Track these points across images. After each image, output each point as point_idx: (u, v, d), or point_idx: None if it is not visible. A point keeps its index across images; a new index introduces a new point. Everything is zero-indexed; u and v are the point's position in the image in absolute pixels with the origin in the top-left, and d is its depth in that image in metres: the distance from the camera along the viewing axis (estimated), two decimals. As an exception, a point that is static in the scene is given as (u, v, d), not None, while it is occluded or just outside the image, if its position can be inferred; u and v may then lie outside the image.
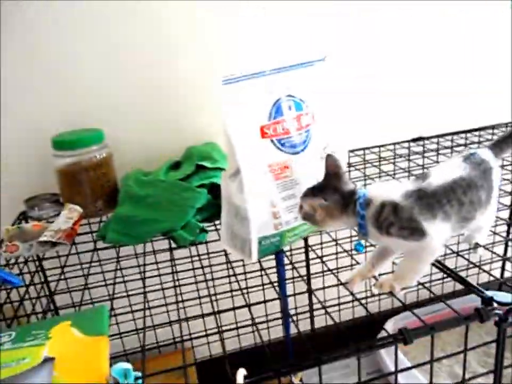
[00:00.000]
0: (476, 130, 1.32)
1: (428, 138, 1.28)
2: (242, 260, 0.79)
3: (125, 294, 0.77)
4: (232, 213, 0.75)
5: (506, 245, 1.28)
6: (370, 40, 1.20)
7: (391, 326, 1.34)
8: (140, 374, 0.51)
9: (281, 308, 1.16)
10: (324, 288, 0.77)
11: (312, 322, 1.29)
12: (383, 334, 1.33)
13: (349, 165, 1.17)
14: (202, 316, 0.68)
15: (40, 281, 0.93)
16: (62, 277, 0.88)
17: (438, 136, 1.29)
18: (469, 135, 1.31)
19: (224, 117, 0.68)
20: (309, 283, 1.20)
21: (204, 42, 1.05)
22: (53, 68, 1.00)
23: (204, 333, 0.95)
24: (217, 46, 1.07)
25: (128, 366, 0.49)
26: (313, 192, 0.62)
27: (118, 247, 0.85)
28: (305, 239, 0.92)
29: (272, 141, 0.71)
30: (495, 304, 0.56)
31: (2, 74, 0.97)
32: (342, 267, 0.84)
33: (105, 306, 0.61)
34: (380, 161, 1.21)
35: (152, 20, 1.02)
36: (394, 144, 1.26)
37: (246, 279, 1.04)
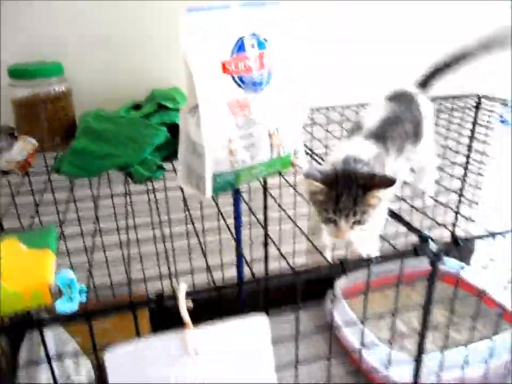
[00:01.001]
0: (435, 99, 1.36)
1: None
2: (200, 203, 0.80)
3: (77, 224, 0.76)
4: (189, 148, 0.75)
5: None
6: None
7: (344, 281, 1.40)
8: (84, 287, 0.51)
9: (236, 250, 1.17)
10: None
11: (266, 267, 1.32)
12: (335, 289, 1.39)
13: (312, 122, 1.18)
14: (157, 254, 0.69)
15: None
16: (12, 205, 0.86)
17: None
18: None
19: (184, 47, 0.67)
20: (265, 227, 1.22)
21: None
22: None
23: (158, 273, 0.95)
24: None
25: (72, 275, 0.49)
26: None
27: (72, 180, 0.84)
28: (265, 182, 0.93)
29: (233, 77, 0.71)
30: (431, 243, 0.59)
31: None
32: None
33: (53, 226, 0.60)
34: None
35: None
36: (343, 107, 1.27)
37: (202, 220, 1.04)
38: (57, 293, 0.48)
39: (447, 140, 1.27)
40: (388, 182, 0.54)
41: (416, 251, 0.57)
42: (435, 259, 0.58)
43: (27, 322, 0.45)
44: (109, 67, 1.06)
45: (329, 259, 0.55)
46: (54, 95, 0.93)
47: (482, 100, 1.39)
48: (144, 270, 1.07)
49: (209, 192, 0.74)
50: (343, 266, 0.55)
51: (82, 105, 1.00)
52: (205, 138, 0.70)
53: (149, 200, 0.86)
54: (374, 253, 0.58)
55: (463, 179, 1.24)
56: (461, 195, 1.25)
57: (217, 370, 0.50)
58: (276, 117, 0.77)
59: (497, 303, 1.25)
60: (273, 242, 0.70)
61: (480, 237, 0.63)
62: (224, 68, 0.70)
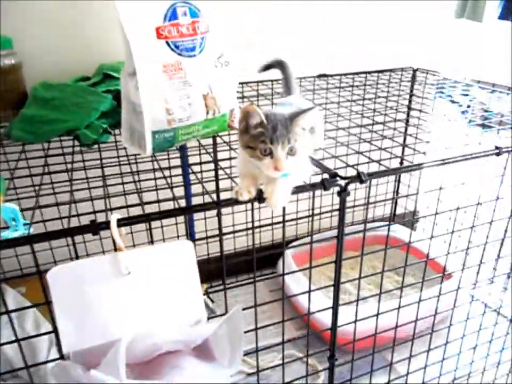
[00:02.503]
0: (374, 72, 1.46)
1: (331, 75, 1.41)
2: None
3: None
4: (130, 109, 0.82)
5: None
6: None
7: (291, 251, 1.49)
8: (28, 220, 0.58)
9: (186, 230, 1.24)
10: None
11: (221, 245, 1.41)
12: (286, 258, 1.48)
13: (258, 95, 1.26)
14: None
15: None
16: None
17: (340, 75, 1.41)
18: (368, 76, 1.45)
19: (121, 16, 0.74)
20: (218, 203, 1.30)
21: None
22: None
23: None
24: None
25: (15, 207, 0.56)
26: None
27: (22, 144, 0.89)
28: (215, 155, 1.00)
29: (167, 42, 0.78)
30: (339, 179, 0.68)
31: None
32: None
33: (2, 177, 0.67)
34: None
35: None
36: (300, 78, 1.37)
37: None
38: (3, 224, 0.55)
39: (386, 110, 1.36)
40: (308, 109, 0.62)
41: (324, 185, 0.66)
42: (341, 193, 0.68)
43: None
44: (58, 42, 1.10)
45: (248, 197, 0.63)
46: (4, 68, 0.98)
47: (417, 72, 1.51)
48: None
49: (149, 149, 0.81)
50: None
51: (34, 79, 1.05)
52: (142, 99, 0.77)
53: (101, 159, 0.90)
54: (284, 204, 0.64)
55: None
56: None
57: (147, 289, 0.58)
58: (209, 79, 0.84)
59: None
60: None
61: (382, 173, 0.73)
62: (158, 34, 0.77)
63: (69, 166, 0.81)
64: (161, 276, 0.59)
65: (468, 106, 1.33)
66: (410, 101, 1.43)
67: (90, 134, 0.88)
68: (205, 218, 1.36)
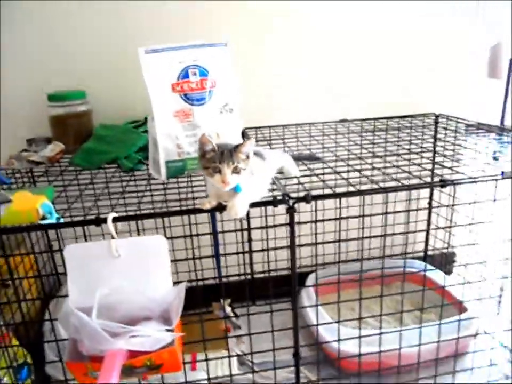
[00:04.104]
0: (395, 117, 1.60)
1: (351, 120, 1.58)
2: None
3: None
4: (153, 144, 1.08)
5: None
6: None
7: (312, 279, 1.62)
8: (60, 216, 0.85)
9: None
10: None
11: (251, 267, 1.60)
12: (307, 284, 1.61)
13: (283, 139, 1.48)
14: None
15: (28, 181, 1.28)
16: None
17: (361, 120, 1.58)
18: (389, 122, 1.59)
19: (145, 76, 1.02)
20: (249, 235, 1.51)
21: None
22: (48, 35, 1.37)
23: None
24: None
25: (51, 206, 0.83)
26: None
27: (80, 170, 1.19)
28: None
29: (180, 95, 1.04)
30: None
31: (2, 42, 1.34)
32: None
33: (52, 187, 0.96)
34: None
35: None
36: (323, 123, 1.56)
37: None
38: (41, 215, 0.82)
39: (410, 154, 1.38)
40: (245, 142, 0.83)
41: (274, 202, 0.85)
42: (289, 210, 0.86)
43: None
44: (121, 93, 1.43)
45: (210, 206, 0.85)
46: (79, 113, 1.32)
47: (439, 118, 1.62)
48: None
49: (164, 174, 1.06)
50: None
51: (100, 121, 1.38)
52: (158, 136, 1.03)
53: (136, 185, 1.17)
54: (243, 214, 0.83)
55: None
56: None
57: (131, 268, 0.81)
58: (215, 122, 1.08)
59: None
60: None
61: (328, 196, 0.90)
62: (173, 88, 1.04)
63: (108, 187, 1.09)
64: (142, 259, 0.81)
65: (500, 152, 1.39)
66: (435, 145, 1.54)
67: (127, 163, 1.16)
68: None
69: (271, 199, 0.87)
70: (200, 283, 1.02)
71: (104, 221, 0.80)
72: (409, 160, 1.15)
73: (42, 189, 0.94)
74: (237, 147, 0.83)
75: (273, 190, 0.94)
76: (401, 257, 1.77)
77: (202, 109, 1.07)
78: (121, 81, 1.42)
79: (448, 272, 1.75)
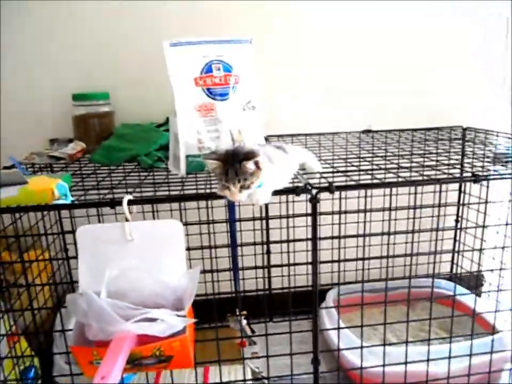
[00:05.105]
0: (421, 129, 1.56)
1: (376, 131, 1.54)
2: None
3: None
4: (174, 139, 1.06)
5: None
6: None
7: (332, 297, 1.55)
8: (72, 198, 0.82)
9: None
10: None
11: (270, 282, 1.55)
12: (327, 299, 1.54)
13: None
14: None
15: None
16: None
17: (385, 131, 1.54)
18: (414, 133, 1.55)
19: (169, 69, 1.01)
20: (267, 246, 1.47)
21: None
22: (72, 43, 1.40)
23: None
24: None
25: (67, 187, 0.81)
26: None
27: (99, 166, 1.18)
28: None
29: (202, 89, 1.03)
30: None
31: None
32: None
33: (69, 174, 0.94)
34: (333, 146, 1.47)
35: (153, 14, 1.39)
36: (346, 133, 1.53)
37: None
38: (57, 197, 0.80)
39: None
40: (252, 154, 0.76)
41: (296, 191, 0.81)
42: (312, 200, 0.82)
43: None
44: (143, 95, 1.43)
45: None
46: (101, 114, 1.32)
47: (467, 131, 1.57)
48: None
49: (183, 170, 1.04)
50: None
51: (122, 122, 1.37)
52: (179, 129, 1.01)
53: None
54: (264, 202, 0.81)
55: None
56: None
57: (144, 253, 0.77)
58: (237, 118, 1.06)
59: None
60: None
61: (353, 187, 0.85)
62: (196, 82, 1.03)
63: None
64: (156, 244, 0.78)
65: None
66: (462, 159, 1.49)
67: (147, 160, 1.14)
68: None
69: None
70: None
71: (119, 203, 0.77)
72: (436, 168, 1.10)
73: (59, 175, 0.92)
74: (241, 162, 0.77)
75: (294, 182, 0.90)
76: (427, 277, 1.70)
77: (225, 104, 1.05)
78: (145, 84, 1.42)
79: (477, 293, 1.66)
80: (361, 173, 0.99)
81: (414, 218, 1.15)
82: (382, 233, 0.98)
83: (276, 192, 0.81)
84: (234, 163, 0.77)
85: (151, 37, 1.35)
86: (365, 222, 1.06)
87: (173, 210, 1.26)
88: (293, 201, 1.11)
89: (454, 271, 1.75)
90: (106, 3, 1.38)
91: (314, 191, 0.82)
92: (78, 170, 1.15)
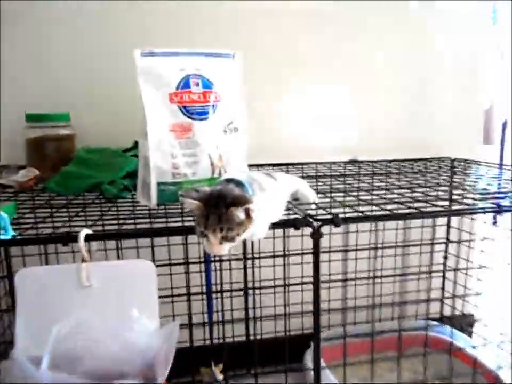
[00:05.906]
0: (409, 160, 1.47)
1: (362, 162, 1.44)
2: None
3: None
4: (143, 165, 0.91)
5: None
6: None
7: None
8: (18, 234, 0.65)
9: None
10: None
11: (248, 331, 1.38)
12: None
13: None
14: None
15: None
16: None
17: (372, 162, 1.44)
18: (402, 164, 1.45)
19: (140, 82, 0.87)
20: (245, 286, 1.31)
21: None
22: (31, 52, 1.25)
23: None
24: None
25: (7, 219, 0.64)
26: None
27: (54, 196, 1.00)
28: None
29: (178, 106, 0.89)
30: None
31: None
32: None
33: (15, 203, 0.77)
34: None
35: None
36: (330, 163, 1.42)
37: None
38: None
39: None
40: (244, 200, 0.62)
41: (294, 224, 0.67)
42: (313, 234, 0.68)
43: None
44: (107, 119, 1.27)
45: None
46: (61, 137, 1.16)
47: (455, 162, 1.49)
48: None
49: (154, 199, 0.88)
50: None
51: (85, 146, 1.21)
52: (151, 151, 0.86)
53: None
54: (262, 236, 0.67)
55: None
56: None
57: (106, 302, 0.61)
58: (217, 142, 0.93)
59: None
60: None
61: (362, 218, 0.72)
62: (171, 98, 0.89)
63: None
64: (120, 291, 0.61)
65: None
66: (451, 191, 1.40)
67: (112, 189, 0.98)
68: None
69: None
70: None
71: (74, 239, 0.61)
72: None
73: (2, 204, 0.75)
74: (228, 208, 0.61)
75: (289, 214, 0.76)
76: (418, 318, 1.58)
77: (203, 125, 0.92)
78: (111, 103, 1.27)
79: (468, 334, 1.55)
80: (361, 202, 0.87)
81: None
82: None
83: (273, 226, 0.67)
84: (219, 206, 0.61)
85: (118, 52, 1.22)
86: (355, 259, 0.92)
87: (140, 247, 1.11)
88: (285, 236, 0.95)
89: (444, 311, 1.64)
90: (71, 16, 1.24)
91: (316, 224, 0.68)
92: (29, 200, 0.97)
